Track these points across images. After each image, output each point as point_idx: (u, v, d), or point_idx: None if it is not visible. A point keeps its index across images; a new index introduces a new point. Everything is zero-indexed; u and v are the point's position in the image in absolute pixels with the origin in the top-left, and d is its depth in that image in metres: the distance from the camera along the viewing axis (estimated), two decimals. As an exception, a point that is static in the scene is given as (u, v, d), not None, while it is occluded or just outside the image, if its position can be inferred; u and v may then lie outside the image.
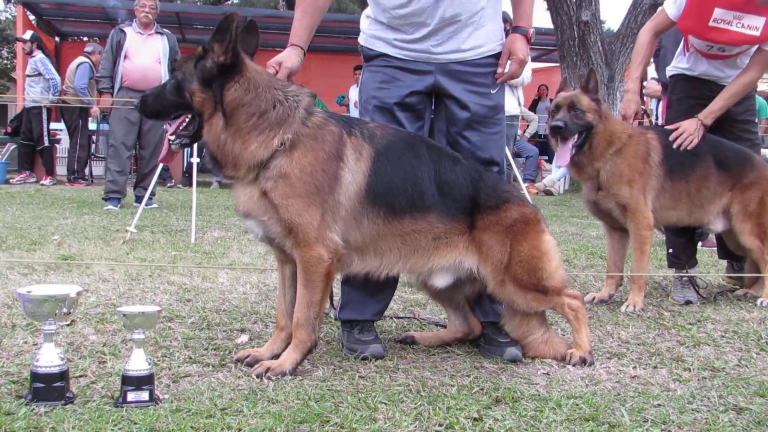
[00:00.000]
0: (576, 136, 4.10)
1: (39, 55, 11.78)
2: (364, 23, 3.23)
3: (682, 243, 4.52)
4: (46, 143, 12.00)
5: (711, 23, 4.13)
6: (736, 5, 4.07)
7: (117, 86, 8.30)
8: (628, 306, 4.04)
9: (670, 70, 4.60)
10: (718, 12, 4.09)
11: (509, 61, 3.13)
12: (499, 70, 3.15)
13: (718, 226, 4.41)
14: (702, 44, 4.29)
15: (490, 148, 3.16)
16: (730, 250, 4.68)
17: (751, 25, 4.10)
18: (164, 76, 8.29)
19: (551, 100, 15.29)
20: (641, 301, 4.07)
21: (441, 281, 2.99)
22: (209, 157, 2.77)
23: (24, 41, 11.85)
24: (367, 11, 3.22)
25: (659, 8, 4.55)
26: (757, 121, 4.86)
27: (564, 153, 4.12)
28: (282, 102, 2.72)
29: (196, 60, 2.69)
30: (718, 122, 4.36)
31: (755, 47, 4.21)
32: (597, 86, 4.17)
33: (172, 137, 2.78)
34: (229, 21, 2.61)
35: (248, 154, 2.66)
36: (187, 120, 2.75)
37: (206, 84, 2.66)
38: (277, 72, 3.01)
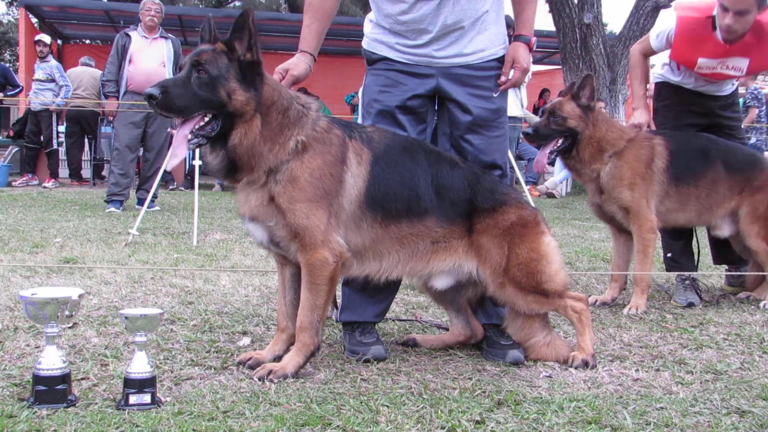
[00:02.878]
0: (557, 142, 4.20)
1: (53, 61, 11.83)
2: (367, 27, 3.23)
3: (680, 246, 4.51)
4: (55, 146, 12.02)
5: (696, 70, 4.28)
6: (718, 54, 4.19)
7: (122, 90, 8.32)
8: (630, 309, 4.04)
9: (656, 77, 4.62)
10: (702, 61, 4.24)
11: (512, 69, 3.14)
12: (503, 78, 3.15)
13: (725, 229, 4.41)
14: (710, 68, 4.34)
15: (493, 152, 3.16)
16: (725, 256, 4.69)
17: (735, 66, 4.25)
18: (169, 79, 8.29)
19: (552, 103, 14.92)
20: (644, 304, 4.07)
21: (441, 283, 2.99)
22: (227, 161, 2.63)
23: (45, 44, 11.86)
24: (371, 15, 3.22)
25: (647, 35, 4.64)
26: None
27: (540, 158, 4.32)
28: (295, 102, 2.73)
29: (226, 56, 2.59)
30: (711, 130, 4.43)
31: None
32: (592, 92, 4.17)
33: (190, 136, 2.57)
34: (245, 17, 2.59)
35: (272, 156, 2.63)
36: (207, 119, 2.58)
37: (247, 83, 2.59)
38: (282, 78, 3.01)
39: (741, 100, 11.58)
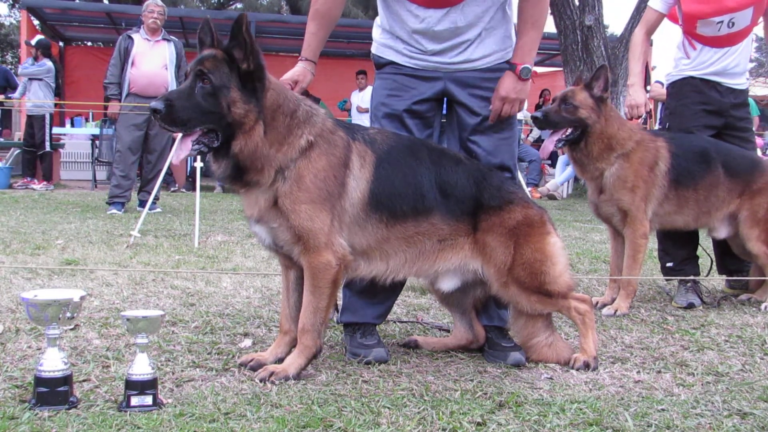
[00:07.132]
0: (566, 131, 4.13)
1: (44, 62, 11.82)
2: (376, 32, 3.24)
3: (684, 254, 4.48)
4: (48, 148, 12.02)
5: (705, 25, 4.24)
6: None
7: (124, 92, 8.33)
8: (610, 309, 4.04)
9: (672, 75, 4.59)
10: (708, 11, 4.21)
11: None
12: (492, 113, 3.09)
13: (722, 231, 4.40)
14: (712, 28, 4.31)
15: (501, 153, 3.15)
16: (727, 267, 4.67)
17: (740, 20, 4.22)
18: (171, 81, 8.32)
19: (554, 104, 14.95)
20: (626, 307, 4.07)
21: (448, 284, 2.99)
22: (231, 167, 2.62)
23: (29, 45, 11.88)
24: (378, 21, 3.22)
25: (646, 10, 4.63)
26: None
27: (547, 144, 4.24)
28: (303, 104, 2.74)
29: (227, 65, 2.56)
30: (720, 131, 4.42)
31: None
32: (606, 84, 4.10)
33: (191, 143, 2.56)
34: (239, 24, 2.54)
35: (281, 155, 2.63)
36: (205, 131, 2.56)
37: (248, 91, 2.56)
38: (292, 89, 3.01)
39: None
